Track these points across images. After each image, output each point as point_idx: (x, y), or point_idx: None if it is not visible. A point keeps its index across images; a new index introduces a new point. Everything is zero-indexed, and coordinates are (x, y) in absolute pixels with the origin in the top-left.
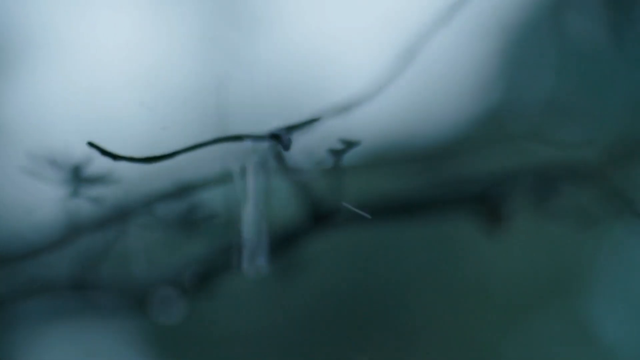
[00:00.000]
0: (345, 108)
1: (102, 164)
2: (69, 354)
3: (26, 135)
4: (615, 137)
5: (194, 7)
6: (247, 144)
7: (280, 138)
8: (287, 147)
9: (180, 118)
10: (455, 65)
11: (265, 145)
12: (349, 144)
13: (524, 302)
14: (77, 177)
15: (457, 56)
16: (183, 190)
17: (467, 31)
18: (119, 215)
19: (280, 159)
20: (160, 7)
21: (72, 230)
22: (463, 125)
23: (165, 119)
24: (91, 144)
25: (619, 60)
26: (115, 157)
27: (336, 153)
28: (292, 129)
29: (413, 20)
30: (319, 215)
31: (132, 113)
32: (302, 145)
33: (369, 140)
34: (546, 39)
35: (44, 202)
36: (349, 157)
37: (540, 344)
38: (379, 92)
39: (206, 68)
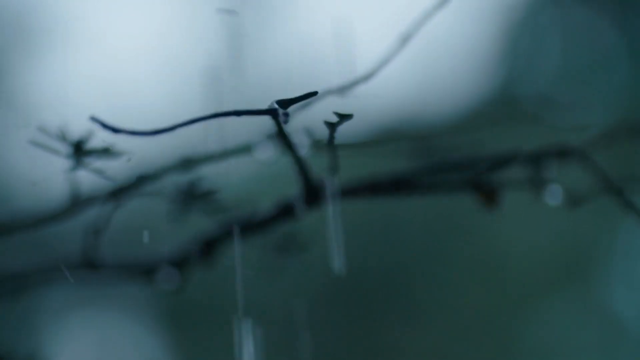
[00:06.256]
0: (345, 87)
1: (108, 138)
2: (82, 327)
3: (36, 110)
4: (607, 123)
5: None
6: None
7: (277, 113)
8: (284, 122)
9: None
10: (460, 47)
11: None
12: (343, 117)
13: (525, 279)
14: (82, 149)
15: (462, 38)
16: (186, 164)
17: (472, 13)
18: (123, 188)
19: (279, 134)
20: None
21: (77, 202)
22: (465, 106)
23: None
24: (93, 118)
25: (617, 49)
26: (115, 130)
27: (331, 126)
28: (288, 103)
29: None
30: (316, 190)
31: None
32: (302, 122)
33: (374, 120)
34: (548, 26)
35: (50, 174)
36: (353, 135)
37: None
38: (377, 72)
39: (223, 49)
